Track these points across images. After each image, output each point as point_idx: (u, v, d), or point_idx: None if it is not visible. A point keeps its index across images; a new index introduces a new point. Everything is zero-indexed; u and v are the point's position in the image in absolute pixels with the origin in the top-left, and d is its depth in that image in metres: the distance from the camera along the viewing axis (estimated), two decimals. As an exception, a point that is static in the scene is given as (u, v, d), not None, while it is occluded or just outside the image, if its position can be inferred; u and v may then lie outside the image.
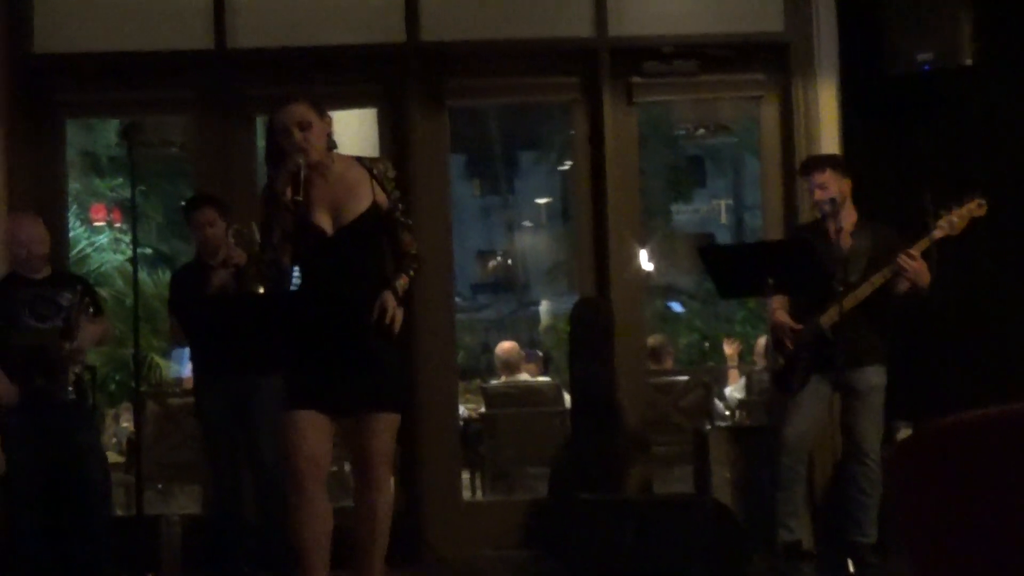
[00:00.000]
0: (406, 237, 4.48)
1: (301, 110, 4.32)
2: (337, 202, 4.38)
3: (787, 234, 6.68)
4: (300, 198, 4.22)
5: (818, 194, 5.96)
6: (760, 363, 9.16)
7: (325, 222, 4.36)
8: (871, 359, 5.91)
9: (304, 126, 4.32)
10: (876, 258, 5.86)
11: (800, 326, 5.96)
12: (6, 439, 5.91)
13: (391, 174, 4.48)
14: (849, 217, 6.00)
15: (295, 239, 4.28)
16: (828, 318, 5.88)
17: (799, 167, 6.25)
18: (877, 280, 5.80)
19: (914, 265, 5.73)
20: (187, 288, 6.16)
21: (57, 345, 5.85)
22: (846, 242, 5.92)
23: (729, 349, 10.52)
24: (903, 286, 5.82)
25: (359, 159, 4.53)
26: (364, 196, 4.40)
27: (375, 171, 4.46)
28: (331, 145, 4.43)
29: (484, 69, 7.30)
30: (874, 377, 5.93)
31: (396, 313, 4.33)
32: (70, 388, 5.88)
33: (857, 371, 5.88)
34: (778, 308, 6.06)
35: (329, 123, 4.42)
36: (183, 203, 6.65)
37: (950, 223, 5.73)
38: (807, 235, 6.07)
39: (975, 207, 5.75)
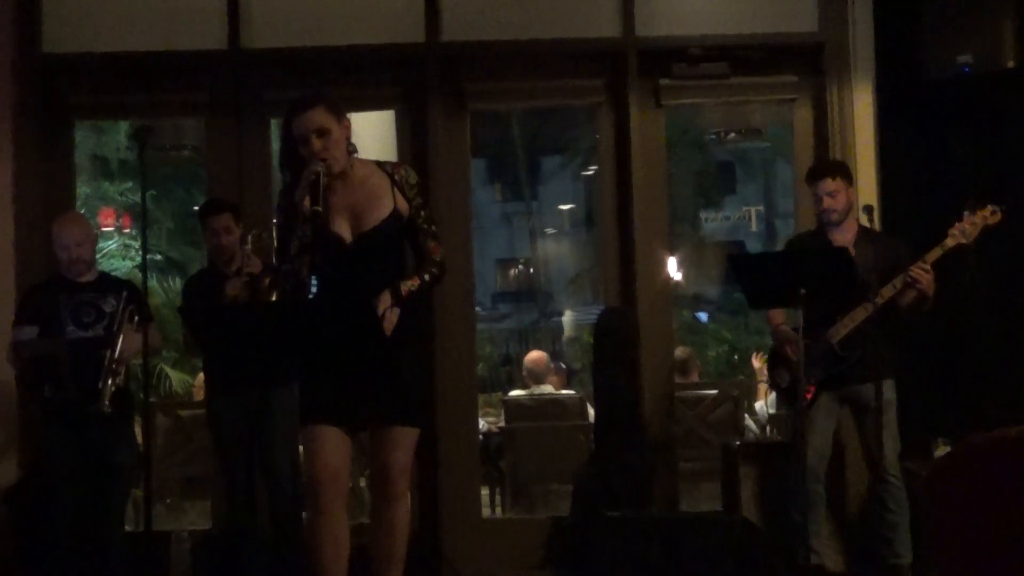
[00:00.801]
0: (430, 244, 4.48)
1: (319, 117, 4.31)
2: (357, 209, 4.39)
3: (785, 245, 6.67)
4: (320, 208, 4.21)
5: (828, 202, 5.95)
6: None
7: (344, 230, 4.37)
8: (883, 373, 5.89)
9: (323, 133, 4.32)
10: (882, 269, 5.82)
11: (806, 340, 5.92)
12: (35, 448, 5.92)
13: (413, 180, 4.48)
14: (851, 227, 5.99)
15: (313, 249, 4.27)
16: (836, 332, 5.86)
17: (806, 174, 6.22)
18: (887, 291, 5.77)
19: (927, 277, 5.71)
20: (200, 296, 6.18)
21: (81, 354, 5.80)
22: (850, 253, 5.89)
23: (759, 362, 10.50)
24: (908, 297, 5.80)
25: (380, 164, 4.53)
26: (384, 203, 4.41)
27: (396, 177, 4.46)
28: (351, 150, 4.44)
29: (506, 71, 7.32)
30: (887, 392, 5.91)
31: (389, 313, 4.30)
32: (107, 402, 5.79)
33: (868, 386, 5.87)
34: (782, 322, 6.07)
35: (348, 128, 4.41)
36: (197, 208, 6.66)
37: (962, 231, 5.71)
38: (807, 245, 6.07)
39: (988, 214, 5.73)
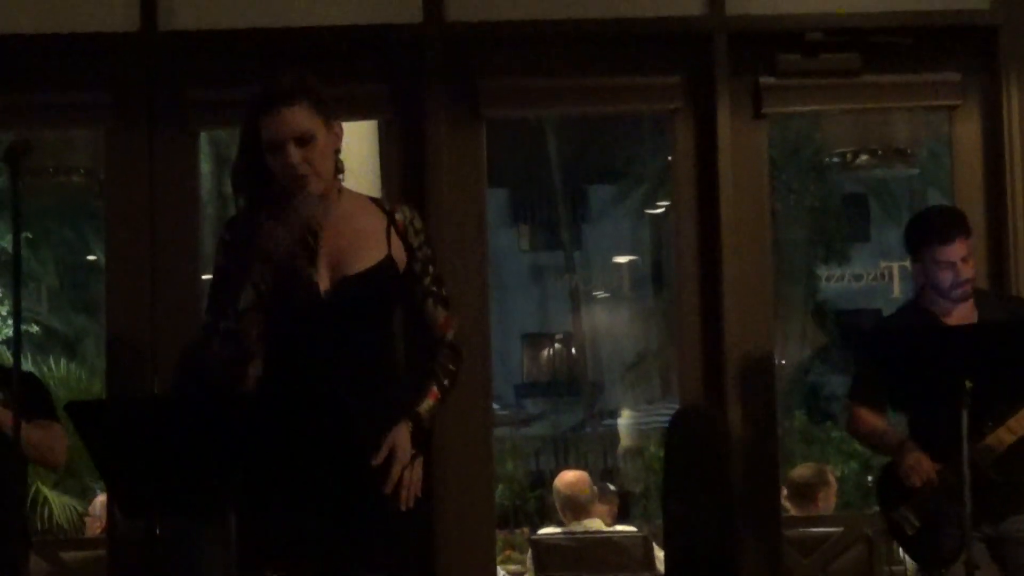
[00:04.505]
0: (439, 315, 4.50)
1: (301, 117, 4.34)
2: (338, 250, 4.40)
3: (879, 325, 6.65)
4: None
5: (964, 270, 5.94)
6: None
7: (320, 276, 4.38)
8: None
9: (305, 140, 4.34)
10: None
11: (940, 465, 5.88)
12: None
13: (419, 224, 4.52)
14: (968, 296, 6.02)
15: (274, 299, 4.29)
16: (993, 447, 5.83)
17: (926, 233, 6.09)
18: None
19: None
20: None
21: None
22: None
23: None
24: None
25: (375, 200, 4.59)
26: (375, 246, 4.43)
27: (397, 216, 4.49)
28: (339, 168, 4.47)
29: (538, 63, 7.36)
30: None
31: (410, 470, 4.33)
32: None
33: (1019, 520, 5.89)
34: (886, 428, 6.08)
35: (339, 136, 4.45)
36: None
37: None
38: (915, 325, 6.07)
39: None
